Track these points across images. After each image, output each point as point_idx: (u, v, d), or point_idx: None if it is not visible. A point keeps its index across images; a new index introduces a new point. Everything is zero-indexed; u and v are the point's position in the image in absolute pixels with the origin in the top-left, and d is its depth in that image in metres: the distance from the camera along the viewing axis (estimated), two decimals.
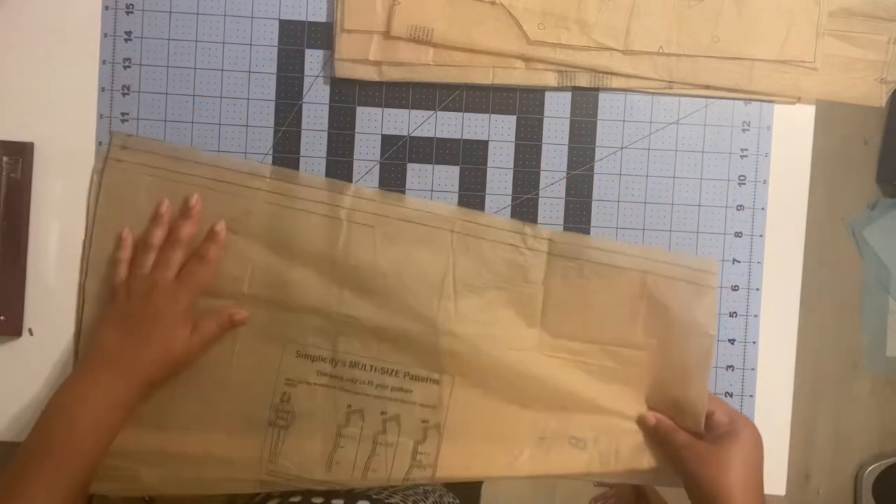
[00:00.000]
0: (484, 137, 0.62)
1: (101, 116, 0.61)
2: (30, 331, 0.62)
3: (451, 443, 0.61)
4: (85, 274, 0.61)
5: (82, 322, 0.61)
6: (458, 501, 0.75)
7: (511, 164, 0.62)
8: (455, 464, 0.61)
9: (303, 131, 0.62)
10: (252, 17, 0.61)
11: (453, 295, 0.61)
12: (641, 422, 0.61)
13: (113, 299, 0.59)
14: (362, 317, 0.60)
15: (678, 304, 0.61)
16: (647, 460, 0.61)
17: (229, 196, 0.60)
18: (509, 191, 0.62)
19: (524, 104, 0.62)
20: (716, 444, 0.57)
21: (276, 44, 0.61)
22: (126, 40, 0.61)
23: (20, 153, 0.60)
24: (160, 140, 0.61)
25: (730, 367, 0.64)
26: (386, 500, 0.60)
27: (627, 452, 0.61)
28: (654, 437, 0.61)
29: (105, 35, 0.61)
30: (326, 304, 0.60)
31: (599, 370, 0.61)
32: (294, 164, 0.62)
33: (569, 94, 0.62)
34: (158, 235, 0.59)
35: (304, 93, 0.62)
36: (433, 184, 0.62)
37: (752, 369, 0.63)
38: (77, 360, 0.61)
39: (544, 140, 0.62)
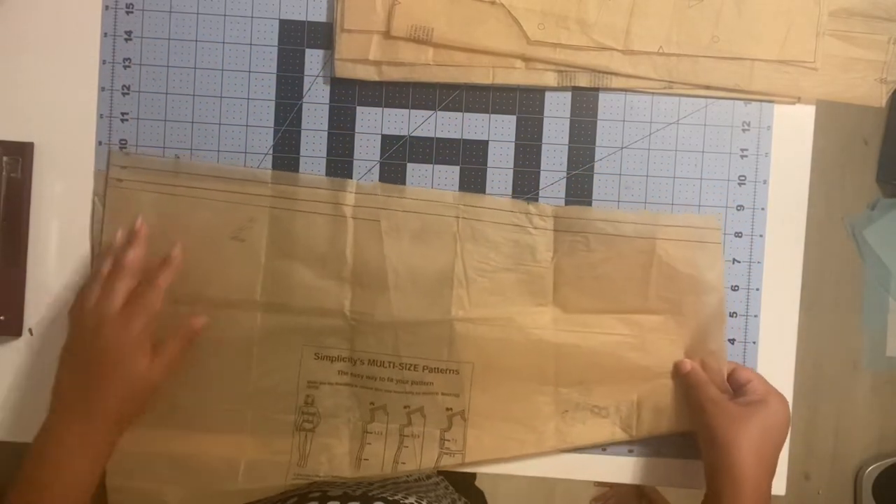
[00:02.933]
0: (484, 137, 0.62)
1: (101, 116, 0.61)
2: (30, 331, 0.62)
3: (477, 427, 0.61)
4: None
5: None
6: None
7: (511, 164, 0.62)
8: (483, 447, 0.62)
9: (303, 131, 0.62)
10: (252, 17, 0.61)
11: (465, 281, 0.61)
12: (676, 367, 0.61)
13: (67, 337, 0.57)
14: (376, 313, 0.61)
15: (686, 264, 0.61)
16: (665, 424, 0.62)
17: (233, 205, 0.60)
18: (509, 191, 0.62)
19: (524, 104, 0.62)
20: (745, 406, 0.57)
21: (276, 44, 0.61)
22: (126, 40, 0.61)
23: (20, 153, 0.60)
24: (159, 155, 0.61)
25: None
26: (402, 501, 0.60)
27: (648, 417, 0.62)
28: (684, 383, 0.61)
29: (105, 35, 0.61)
30: (339, 304, 0.61)
31: (616, 340, 0.62)
32: (294, 164, 0.62)
33: (569, 94, 0.62)
34: (105, 265, 0.57)
35: (304, 93, 0.62)
36: (433, 184, 0.62)
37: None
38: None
39: (544, 140, 0.62)
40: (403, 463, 0.61)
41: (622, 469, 0.63)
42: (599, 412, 0.62)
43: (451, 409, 0.61)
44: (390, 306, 0.61)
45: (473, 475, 0.94)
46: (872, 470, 1.58)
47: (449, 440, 0.61)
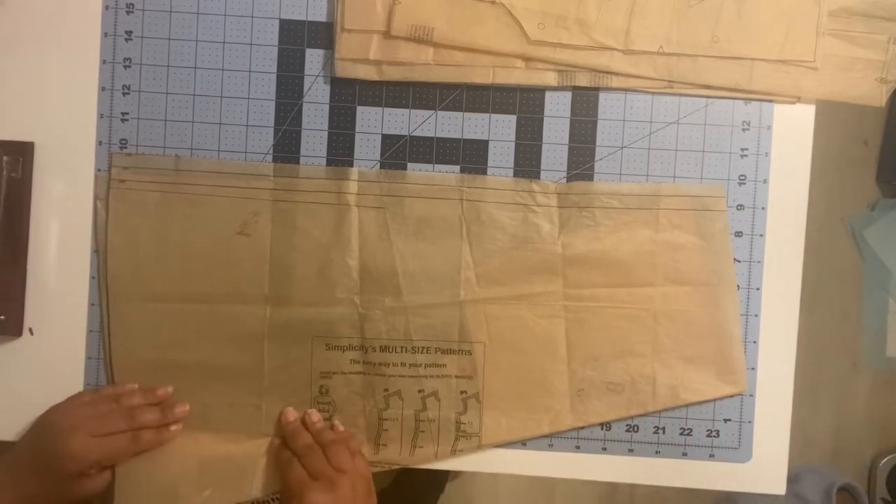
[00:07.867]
0: (484, 137, 0.62)
1: (101, 116, 0.61)
2: (30, 330, 0.62)
3: (492, 409, 0.62)
4: (106, 303, 0.61)
5: (110, 349, 0.61)
6: None
7: (511, 164, 0.62)
8: (499, 429, 0.62)
9: (303, 131, 0.62)
10: (252, 17, 0.61)
11: (472, 263, 0.61)
12: (282, 415, 0.61)
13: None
14: (385, 299, 0.61)
15: (692, 233, 0.62)
16: (682, 396, 0.62)
17: (236, 200, 0.61)
18: None
19: (524, 104, 0.62)
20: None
21: (277, 43, 0.61)
22: (126, 40, 0.61)
23: (20, 153, 0.60)
24: (159, 153, 0.61)
25: None
26: None
27: (664, 391, 0.62)
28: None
29: (105, 35, 0.61)
30: (348, 293, 0.61)
31: (627, 313, 0.62)
32: (294, 164, 0.62)
33: (569, 94, 0.62)
34: (126, 398, 0.59)
35: (305, 92, 0.62)
36: None
37: (752, 369, 0.63)
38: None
39: (544, 140, 0.62)
40: (421, 447, 0.62)
41: (622, 469, 0.63)
42: (615, 388, 0.62)
43: (465, 391, 0.62)
44: (400, 292, 0.61)
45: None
46: (887, 462, 1.58)
47: (465, 423, 0.62)
